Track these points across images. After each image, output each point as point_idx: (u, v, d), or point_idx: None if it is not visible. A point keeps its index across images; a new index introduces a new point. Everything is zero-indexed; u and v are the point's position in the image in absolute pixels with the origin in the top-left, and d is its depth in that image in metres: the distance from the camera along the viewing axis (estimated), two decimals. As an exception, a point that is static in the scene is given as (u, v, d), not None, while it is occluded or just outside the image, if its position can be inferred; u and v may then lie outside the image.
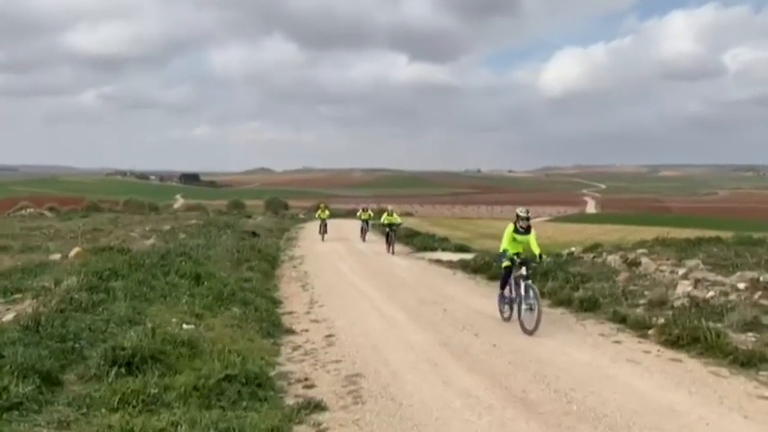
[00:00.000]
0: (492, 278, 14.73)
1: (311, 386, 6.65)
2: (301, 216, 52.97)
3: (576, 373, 7.01)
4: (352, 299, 12.25)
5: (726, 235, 18.31)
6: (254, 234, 25.70)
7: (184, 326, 7.96)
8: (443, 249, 23.03)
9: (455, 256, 19.56)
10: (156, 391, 5.53)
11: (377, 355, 7.87)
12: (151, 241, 18.31)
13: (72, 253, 13.42)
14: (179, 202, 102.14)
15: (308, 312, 10.80)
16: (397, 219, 23.41)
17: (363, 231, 26.94)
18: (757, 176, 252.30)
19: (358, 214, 28.88)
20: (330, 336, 8.97)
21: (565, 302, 11.19)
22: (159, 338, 6.76)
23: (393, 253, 21.17)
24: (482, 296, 12.62)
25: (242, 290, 11.21)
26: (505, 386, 6.58)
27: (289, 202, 78.84)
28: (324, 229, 27.69)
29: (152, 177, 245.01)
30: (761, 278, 10.82)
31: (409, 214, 69.04)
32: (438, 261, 18.76)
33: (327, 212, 29.26)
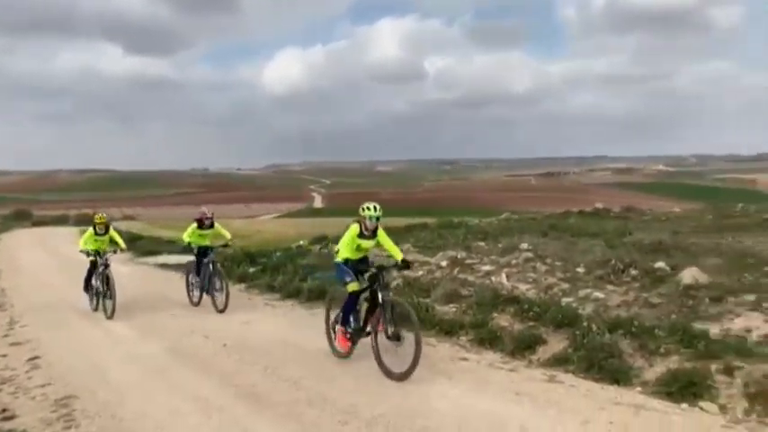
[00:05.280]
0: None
1: (11, 417, 5.79)
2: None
3: (306, 361, 7.24)
4: (62, 313, 10.93)
5: (431, 221, 20.70)
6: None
7: None
8: (170, 252, 21.86)
9: (183, 258, 18.72)
10: None
11: (95, 373, 7.15)
12: None
13: None
14: None
15: (7, 335, 9.35)
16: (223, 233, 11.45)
17: (206, 278, 10.90)
18: (454, 169, 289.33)
19: (187, 234, 11.17)
20: (35, 358, 7.87)
21: (294, 294, 11.48)
22: None
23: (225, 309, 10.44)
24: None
25: None
26: (236, 384, 6.51)
27: (-23, 210, 67.18)
28: (105, 284, 10.67)
29: None
30: (458, 256, 12.46)
31: (131, 218, 64.23)
32: (164, 265, 17.80)
33: (116, 236, 11.52)
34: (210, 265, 10.85)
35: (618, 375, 6.09)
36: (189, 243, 11.15)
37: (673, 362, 6.05)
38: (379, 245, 7.34)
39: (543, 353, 6.99)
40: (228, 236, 11.40)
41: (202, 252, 11.07)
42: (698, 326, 6.82)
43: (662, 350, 6.27)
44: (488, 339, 7.61)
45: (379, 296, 6.70)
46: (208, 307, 10.76)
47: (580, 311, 7.84)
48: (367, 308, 6.98)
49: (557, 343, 7.04)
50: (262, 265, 14.84)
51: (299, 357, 7.43)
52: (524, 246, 12.53)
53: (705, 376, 5.65)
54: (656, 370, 6.05)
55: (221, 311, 10.33)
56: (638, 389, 5.88)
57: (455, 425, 5.18)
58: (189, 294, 11.45)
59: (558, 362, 6.68)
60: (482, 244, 13.94)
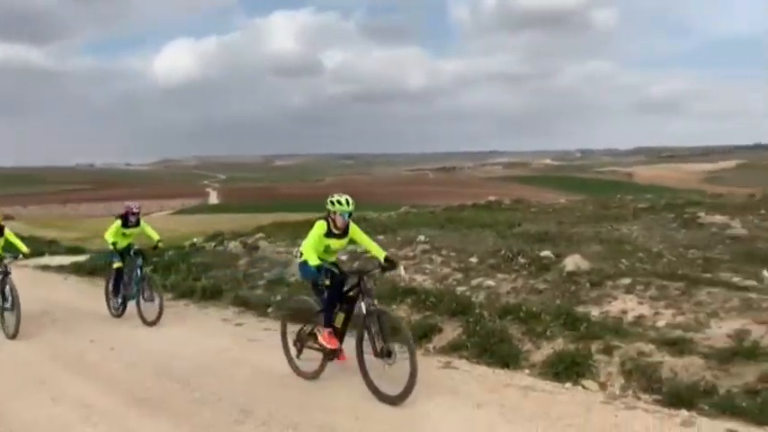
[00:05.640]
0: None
1: None
2: None
3: (199, 361, 7.05)
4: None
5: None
6: None
7: None
8: (53, 253, 20.54)
9: (67, 260, 17.66)
10: None
11: (-35, 386, 6.59)
12: None
13: None
14: None
15: None
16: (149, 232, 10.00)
17: (131, 285, 9.58)
18: (356, 164, 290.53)
19: (111, 233, 9.71)
20: None
21: (188, 294, 11.11)
22: None
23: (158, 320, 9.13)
24: (96, 298, 11.64)
25: None
26: (126, 388, 6.23)
27: None
28: (2, 297, 8.89)
29: None
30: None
31: (10, 217, 59.62)
32: (46, 267, 16.67)
33: (13, 238, 9.52)
34: (138, 270, 9.45)
35: (508, 359, 6.37)
36: (114, 243, 9.63)
37: (557, 344, 6.40)
38: (352, 244, 6.29)
39: (439, 341, 7.18)
40: (156, 236, 9.87)
41: (126, 254, 9.74)
42: (580, 309, 7.25)
43: (548, 333, 6.61)
44: (387, 331, 7.71)
45: (363, 306, 5.63)
46: (94, 310, 10.16)
47: (473, 299, 8.11)
48: (343, 321, 5.94)
49: (452, 331, 7.24)
50: (153, 265, 14.23)
51: (191, 357, 7.21)
52: (422, 238, 12.79)
53: (586, 356, 6.02)
54: (542, 352, 6.37)
55: (151, 324, 9.00)
56: (527, 371, 6.18)
57: (353, 417, 5.22)
58: (108, 304, 10.01)
59: (454, 348, 6.89)
60: (381, 237, 14.08)
